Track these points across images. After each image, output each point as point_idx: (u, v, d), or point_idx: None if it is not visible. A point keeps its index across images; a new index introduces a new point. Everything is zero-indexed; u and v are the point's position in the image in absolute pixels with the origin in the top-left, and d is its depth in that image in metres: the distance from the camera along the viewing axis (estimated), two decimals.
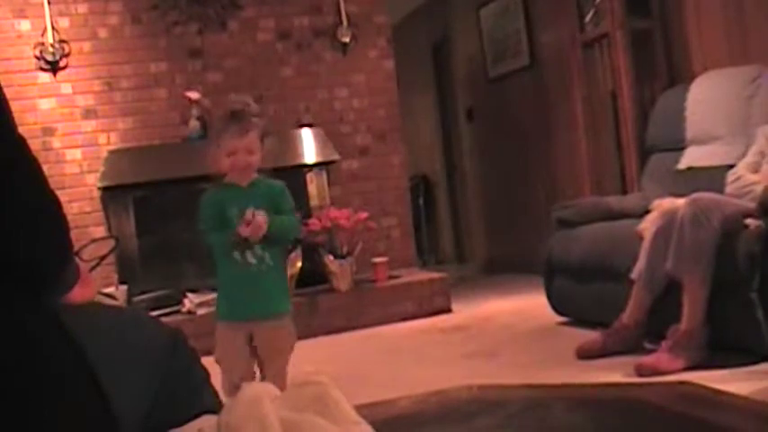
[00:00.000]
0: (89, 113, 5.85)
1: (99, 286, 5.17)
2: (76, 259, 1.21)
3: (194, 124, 5.85)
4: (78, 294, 1.16)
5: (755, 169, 3.82)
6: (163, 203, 5.75)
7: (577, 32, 5.92)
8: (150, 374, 1.04)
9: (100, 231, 5.69)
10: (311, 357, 4.85)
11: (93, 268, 5.04)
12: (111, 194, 5.68)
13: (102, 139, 5.86)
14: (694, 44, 5.23)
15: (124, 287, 5.32)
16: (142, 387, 1.02)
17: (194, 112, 5.87)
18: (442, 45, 8.86)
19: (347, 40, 6.45)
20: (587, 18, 5.88)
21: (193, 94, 5.87)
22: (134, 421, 0.99)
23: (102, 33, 5.90)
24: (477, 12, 7.66)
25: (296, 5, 6.38)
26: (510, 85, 7.32)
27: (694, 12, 5.21)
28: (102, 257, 5.20)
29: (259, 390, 1.01)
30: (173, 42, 6.06)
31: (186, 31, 6.09)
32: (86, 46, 5.87)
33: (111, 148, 5.83)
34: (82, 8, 5.87)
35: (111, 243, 5.47)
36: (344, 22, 6.44)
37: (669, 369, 3.35)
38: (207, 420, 1.00)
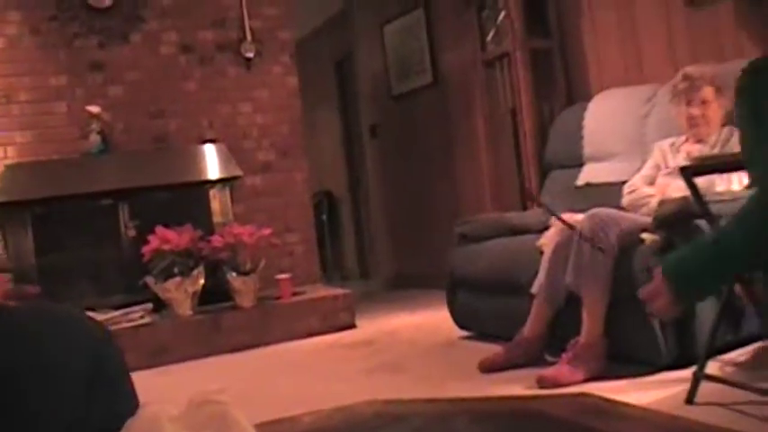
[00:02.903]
0: None
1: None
2: None
3: (95, 138, 5.74)
4: None
5: (651, 182, 3.95)
6: (62, 220, 5.62)
7: (479, 51, 6.01)
8: (63, 391, 1.01)
9: None
10: (214, 376, 4.79)
11: None
12: (8, 211, 5.50)
13: None
14: (592, 64, 5.37)
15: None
16: (52, 403, 0.99)
17: (95, 126, 5.76)
18: (346, 61, 8.89)
19: (251, 55, 6.42)
20: (489, 37, 5.97)
21: (94, 108, 5.76)
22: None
23: None
24: (381, 29, 7.71)
25: (199, 19, 6.32)
26: (413, 102, 7.38)
27: (591, 32, 5.34)
28: None
29: (157, 410, 0.99)
30: (73, 55, 5.93)
31: (87, 43, 5.97)
32: None
33: (9, 162, 5.66)
34: None
35: None
36: (248, 37, 6.41)
37: (569, 381, 3.40)
38: None
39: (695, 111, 3.83)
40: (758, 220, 1.46)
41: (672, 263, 1.67)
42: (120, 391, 1.08)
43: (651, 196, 3.80)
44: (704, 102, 3.82)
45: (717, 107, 3.82)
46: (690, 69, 3.89)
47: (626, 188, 4.01)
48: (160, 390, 4.33)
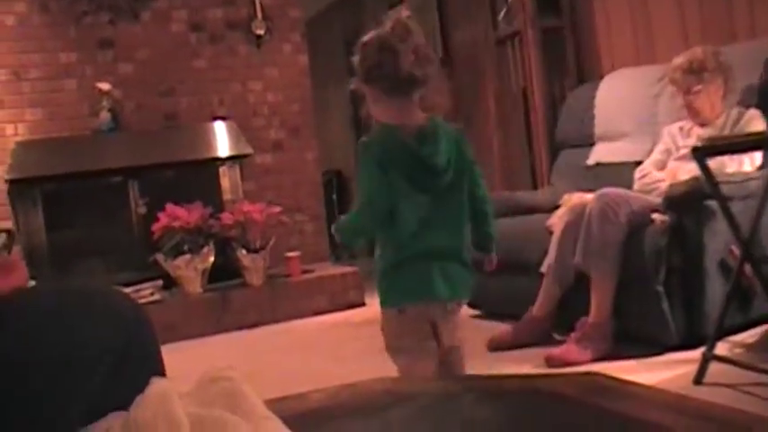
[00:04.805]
0: None
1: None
2: None
3: (105, 116, 5.75)
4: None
5: (661, 167, 3.94)
6: (73, 197, 5.64)
7: (490, 30, 5.99)
8: (81, 372, 1.00)
9: (7, 226, 5.53)
10: (223, 353, 4.81)
11: None
12: (19, 188, 5.52)
13: (9, 130, 5.70)
14: (603, 43, 5.34)
15: (32, 283, 5.20)
16: (64, 386, 0.99)
17: (105, 103, 5.76)
18: (356, 40, 8.83)
19: (261, 33, 6.40)
20: (500, 16, 5.95)
21: (104, 85, 5.76)
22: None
23: (9, 21, 5.74)
24: (392, 7, 7.66)
25: None
26: None
27: (603, 12, 5.31)
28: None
29: (167, 385, 1.00)
30: (83, 32, 5.93)
31: (97, 20, 5.96)
32: None
33: (19, 139, 5.67)
34: None
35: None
36: (259, 15, 6.40)
37: (578, 360, 3.41)
38: (115, 418, 0.99)
39: (691, 99, 3.81)
40: (356, 215, 2.48)
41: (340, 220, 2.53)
42: (149, 370, 1.09)
43: (662, 180, 3.79)
44: (698, 89, 3.78)
45: (715, 89, 3.78)
46: (679, 59, 3.85)
47: (637, 173, 4.01)
48: (170, 367, 4.35)
